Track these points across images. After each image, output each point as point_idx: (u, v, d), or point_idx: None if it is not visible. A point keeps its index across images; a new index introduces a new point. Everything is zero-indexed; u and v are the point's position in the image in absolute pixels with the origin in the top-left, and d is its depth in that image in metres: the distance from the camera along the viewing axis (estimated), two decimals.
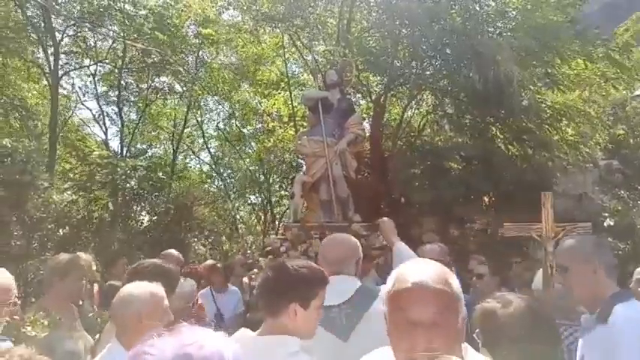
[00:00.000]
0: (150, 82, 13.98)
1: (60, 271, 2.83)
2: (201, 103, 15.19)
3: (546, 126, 9.84)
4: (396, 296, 1.20)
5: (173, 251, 4.46)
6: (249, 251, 11.72)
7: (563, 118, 9.94)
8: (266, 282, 1.77)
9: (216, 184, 16.07)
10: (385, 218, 2.80)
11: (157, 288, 2.06)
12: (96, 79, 14.23)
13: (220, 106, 15.56)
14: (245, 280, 5.73)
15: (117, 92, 14.05)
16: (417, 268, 1.24)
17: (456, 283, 1.22)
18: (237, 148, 15.29)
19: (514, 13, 9.27)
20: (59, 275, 2.81)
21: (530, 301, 1.65)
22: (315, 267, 1.81)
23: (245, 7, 11.68)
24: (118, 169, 9.90)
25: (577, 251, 2.03)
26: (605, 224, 8.74)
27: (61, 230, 8.77)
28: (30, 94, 13.56)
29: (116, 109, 14.40)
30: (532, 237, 2.20)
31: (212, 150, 16.27)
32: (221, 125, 15.90)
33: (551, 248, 2.06)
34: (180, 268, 4.15)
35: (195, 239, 11.35)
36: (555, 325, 1.67)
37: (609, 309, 1.83)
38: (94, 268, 3.92)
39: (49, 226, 8.49)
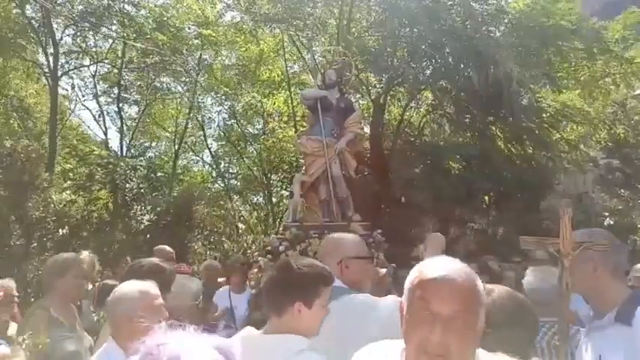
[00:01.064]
0: (150, 82, 13.98)
1: (58, 269, 2.82)
2: (202, 104, 15.20)
3: (546, 125, 9.86)
4: (419, 286, 1.18)
5: (165, 247, 4.48)
6: (249, 251, 11.73)
7: (563, 118, 9.96)
8: (270, 281, 1.78)
9: (217, 184, 16.09)
10: (438, 234, 2.62)
11: (149, 286, 2.05)
12: (96, 78, 14.24)
13: (221, 107, 15.59)
14: None
15: (117, 92, 14.06)
16: (445, 263, 1.21)
17: (481, 285, 1.20)
18: (239, 148, 15.28)
19: (514, 12, 9.28)
20: (58, 274, 2.80)
21: (510, 290, 1.67)
22: (319, 265, 1.81)
23: (244, 9, 11.68)
24: (118, 169, 9.91)
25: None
26: (605, 223, 8.74)
27: (60, 230, 8.76)
28: (29, 94, 13.54)
29: (116, 109, 14.43)
30: (548, 251, 2.17)
31: (213, 150, 16.29)
32: (222, 125, 15.91)
33: (568, 264, 1.98)
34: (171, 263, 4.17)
35: (196, 239, 11.34)
36: (534, 312, 1.68)
37: (630, 310, 1.78)
38: (97, 267, 3.92)
39: (49, 226, 8.48)
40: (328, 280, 1.77)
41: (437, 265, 1.20)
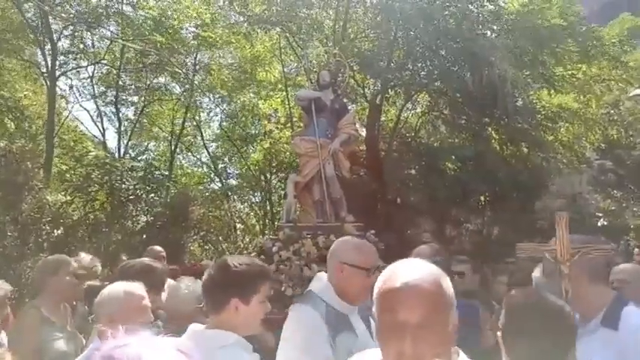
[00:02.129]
0: (148, 82, 13.97)
1: (51, 268, 2.83)
2: (200, 103, 15.15)
3: (541, 127, 9.91)
4: (384, 296, 1.16)
5: (155, 247, 4.52)
6: (245, 251, 11.73)
7: (558, 119, 10.01)
8: (209, 279, 1.80)
9: (214, 184, 16.09)
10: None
11: (133, 287, 2.07)
12: (93, 80, 14.22)
13: (218, 108, 15.58)
14: None
15: (115, 93, 14.05)
16: (409, 268, 1.19)
17: (448, 286, 1.18)
18: (239, 148, 15.27)
19: (509, 14, 9.31)
20: (50, 273, 2.81)
21: (549, 294, 1.71)
22: (256, 262, 1.84)
23: (238, 10, 11.69)
24: (114, 170, 9.91)
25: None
26: (599, 224, 8.79)
27: (56, 231, 8.76)
28: (25, 95, 13.50)
29: (114, 110, 14.43)
30: (546, 258, 2.08)
31: (211, 149, 16.24)
32: (223, 125, 15.87)
33: (567, 270, 1.98)
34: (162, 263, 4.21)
35: (192, 240, 11.34)
36: (571, 318, 1.68)
37: (616, 314, 1.83)
38: (98, 268, 3.93)
39: (44, 227, 8.48)
40: (265, 276, 1.81)
41: (401, 272, 1.17)
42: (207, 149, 16.14)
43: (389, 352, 1.14)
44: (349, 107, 7.58)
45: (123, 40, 12.36)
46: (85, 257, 4.03)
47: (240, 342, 1.72)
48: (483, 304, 3.53)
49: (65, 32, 12.84)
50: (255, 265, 1.81)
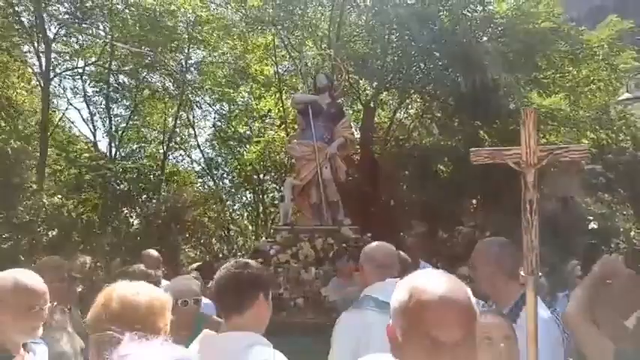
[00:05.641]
0: (139, 82, 13.88)
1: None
2: (193, 102, 15.03)
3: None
4: (418, 309, 1.05)
5: (152, 251, 4.51)
6: (239, 253, 11.74)
7: (549, 120, 10.14)
8: (231, 278, 1.78)
9: (208, 184, 15.97)
10: None
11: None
12: (84, 78, 14.08)
13: (211, 107, 15.48)
14: None
15: (106, 92, 13.95)
16: (437, 279, 1.09)
17: (474, 300, 1.10)
18: (232, 149, 15.21)
19: (501, 19, 9.44)
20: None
21: None
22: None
23: (234, 10, 11.68)
24: (106, 172, 9.85)
25: (480, 253, 2.23)
26: (590, 227, 8.91)
27: (50, 233, 8.70)
28: (18, 94, 13.35)
29: (105, 110, 14.30)
30: (508, 165, 1.73)
31: (204, 149, 16.12)
32: (216, 124, 15.77)
33: (532, 178, 1.63)
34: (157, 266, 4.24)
35: (186, 241, 11.32)
36: None
37: (516, 311, 1.99)
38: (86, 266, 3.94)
39: (38, 229, 8.42)
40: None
41: (431, 284, 1.07)
42: (200, 148, 16.00)
43: None
44: (345, 110, 7.62)
45: (114, 39, 12.28)
46: (82, 259, 4.06)
47: (263, 339, 1.74)
48: None
49: (60, 32, 12.74)
50: (260, 266, 1.94)
